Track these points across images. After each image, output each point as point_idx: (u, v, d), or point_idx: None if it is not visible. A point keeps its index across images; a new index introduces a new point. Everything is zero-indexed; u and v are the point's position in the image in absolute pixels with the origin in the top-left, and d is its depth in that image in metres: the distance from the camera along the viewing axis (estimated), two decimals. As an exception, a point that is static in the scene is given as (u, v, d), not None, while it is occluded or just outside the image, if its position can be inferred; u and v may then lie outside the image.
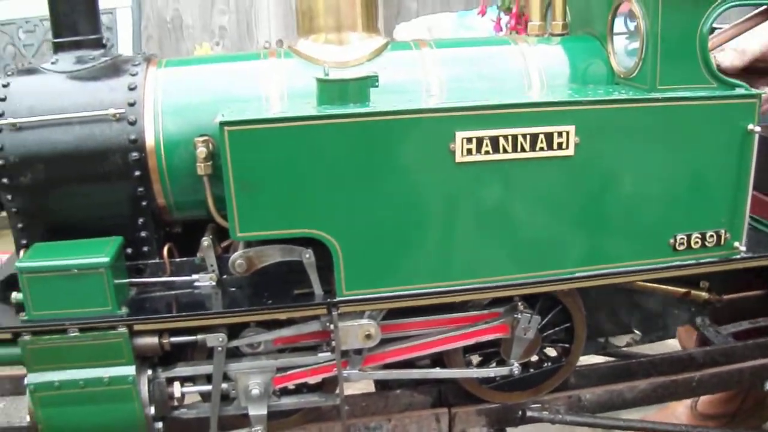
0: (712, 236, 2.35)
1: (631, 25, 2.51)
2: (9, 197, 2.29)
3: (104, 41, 2.44)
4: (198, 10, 6.36)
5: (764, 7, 2.42)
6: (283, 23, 6.29)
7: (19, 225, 2.35)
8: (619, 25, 2.50)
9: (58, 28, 2.38)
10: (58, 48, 2.38)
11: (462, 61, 2.48)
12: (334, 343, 2.27)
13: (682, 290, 2.60)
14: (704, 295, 2.65)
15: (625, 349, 2.86)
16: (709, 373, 2.76)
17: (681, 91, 2.23)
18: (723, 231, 2.36)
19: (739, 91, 2.27)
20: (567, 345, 2.60)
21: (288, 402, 2.43)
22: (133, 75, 2.33)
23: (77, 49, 2.38)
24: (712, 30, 2.57)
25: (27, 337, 2.20)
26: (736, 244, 2.38)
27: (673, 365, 2.84)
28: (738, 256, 2.40)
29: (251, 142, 2.06)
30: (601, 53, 2.50)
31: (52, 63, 2.37)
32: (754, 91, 2.27)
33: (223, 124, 2.03)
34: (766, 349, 2.92)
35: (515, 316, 2.40)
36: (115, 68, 2.37)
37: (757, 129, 2.26)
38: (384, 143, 2.10)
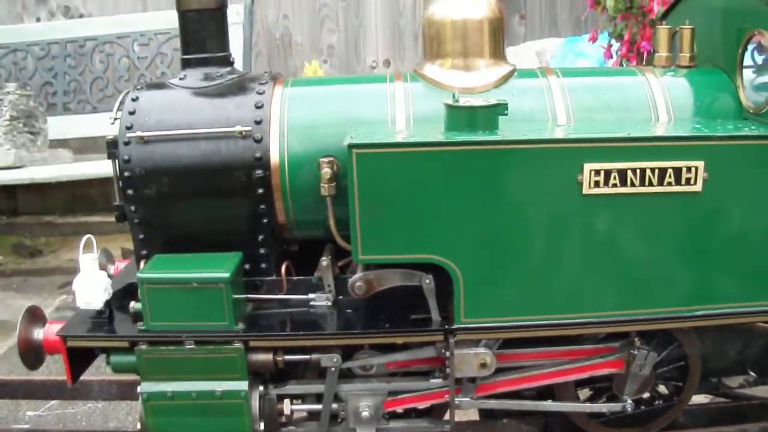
0: None
1: (760, 59, 2.42)
2: (132, 208, 2.36)
3: (231, 59, 2.49)
4: (307, 27, 6.51)
5: None
6: (390, 43, 6.35)
7: (141, 236, 2.41)
8: (748, 58, 2.43)
9: (188, 45, 2.44)
10: (186, 64, 2.45)
11: (589, 91, 2.45)
12: (448, 370, 2.26)
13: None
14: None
15: (739, 390, 2.76)
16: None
17: None
18: None
19: None
20: (680, 384, 2.52)
21: (397, 426, 2.43)
22: (260, 93, 2.36)
23: (205, 65, 2.44)
24: None
25: (143, 347, 2.26)
26: None
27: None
28: None
29: (378, 165, 2.07)
30: (728, 87, 2.44)
31: (180, 78, 2.43)
32: None
33: (351, 146, 2.04)
34: None
35: (632, 352, 2.34)
36: (241, 86, 2.42)
37: None
38: (511, 172, 2.09)
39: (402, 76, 2.49)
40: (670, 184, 2.11)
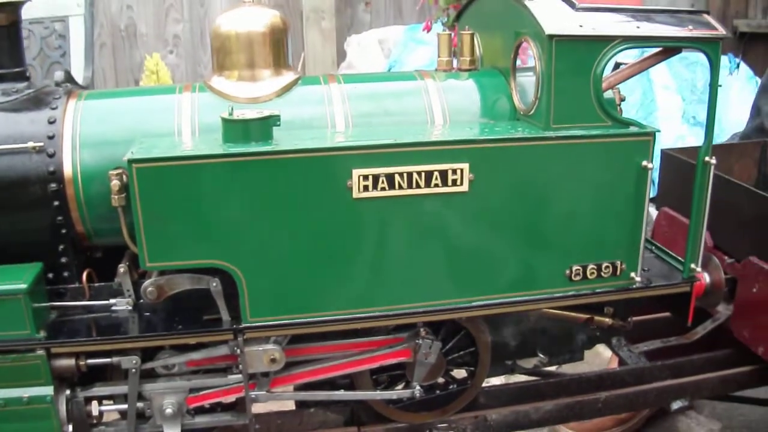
0: (608, 267, 2.59)
1: (527, 64, 2.74)
2: None
3: (27, 73, 2.66)
4: (152, 18, 6.56)
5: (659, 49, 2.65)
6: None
7: None
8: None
9: None
10: None
11: (368, 98, 2.70)
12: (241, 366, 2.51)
13: (585, 316, 2.84)
14: (608, 320, 2.89)
15: (540, 369, 3.10)
16: (615, 394, 3.02)
17: (575, 130, 2.46)
18: (619, 262, 2.60)
19: (633, 129, 2.50)
20: (473, 368, 2.84)
21: (201, 421, 2.67)
22: (53, 109, 2.55)
23: (1, 82, 2.60)
24: (617, 65, 2.81)
25: None
26: (632, 274, 2.62)
27: (581, 386, 3.09)
28: (634, 286, 2.64)
29: (158, 178, 2.28)
30: (505, 89, 2.73)
31: (-24, 95, 2.59)
32: (648, 128, 2.50)
33: (131, 161, 2.25)
34: (674, 370, 3.18)
35: (417, 341, 2.64)
36: (37, 101, 2.59)
37: (651, 165, 2.50)
38: (284, 180, 2.32)
39: (191, 86, 2.70)
40: (437, 185, 2.39)
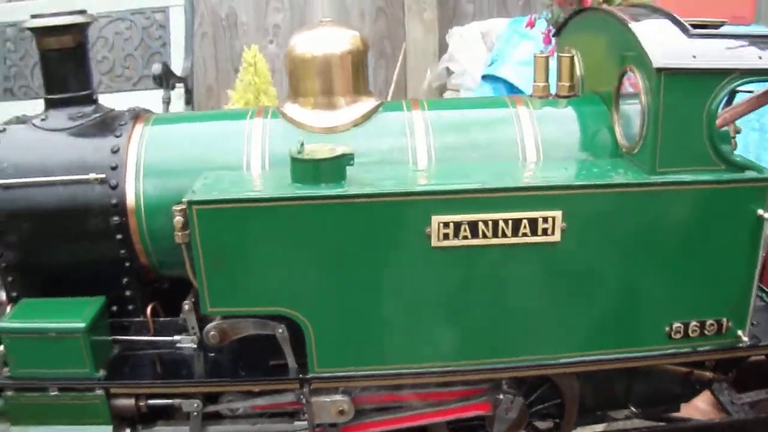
0: (712, 325, 2.34)
1: (630, 94, 2.47)
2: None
3: (94, 96, 2.58)
4: (253, 7, 6.54)
5: None
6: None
7: (9, 278, 2.54)
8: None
9: (50, 85, 2.54)
10: (49, 104, 2.55)
11: (454, 127, 2.51)
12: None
13: (685, 370, 2.59)
14: (708, 374, 2.63)
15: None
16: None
17: (683, 174, 2.21)
18: (725, 320, 2.35)
19: (749, 173, 2.23)
20: (558, 420, 2.64)
21: None
22: (118, 136, 2.46)
23: (67, 105, 2.53)
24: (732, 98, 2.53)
25: (9, 393, 2.41)
26: (739, 332, 2.37)
27: (677, 437, 2.86)
28: (741, 345, 2.38)
29: (220, 220, 2.16)
30: (607, 119, 2.49)
31: (42, 119, 2.52)
32: (766, 173, 2.23)
33: (191, 203, 2.14)
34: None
35: (497, 396, 2.46)
36: (103, 126, 2.51)
37: (767, 215, 2.23)
38: (356, 225, 2.17)
39: (264, 111, 2.57)
40: (525, 234, 2.19)
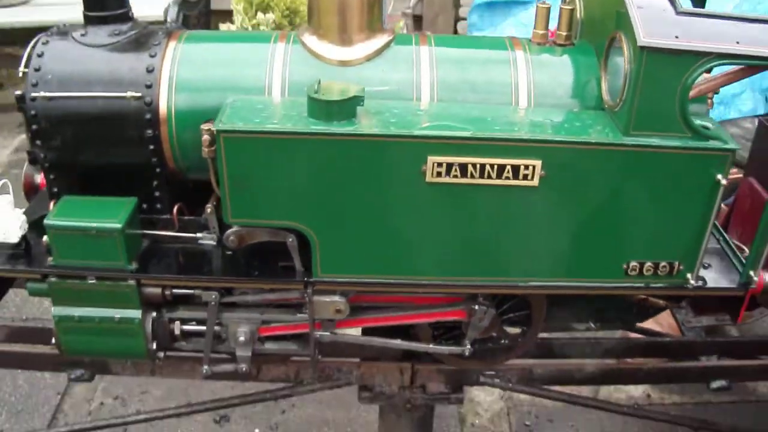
0: (665, 266, 2.77)
1: (617, 57, 2.73)
2: (42, 155, 2.86)
3: (130, 14, 2.87)
4: None
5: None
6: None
7: (51, 176, 2.93)
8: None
9: (89, 3, 2.82)
10: (87, 21, 2.84)
11: (456, 64, 2.84)
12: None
13: (642, 297, 3.05)
14: (661, 302, 3.10)
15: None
16: (657, 367, 3.29)
17: (654, 138, 2.56)
18: (677, 263, 2.77)
19: (712, 143, 2.58)
20: (525, 328, 3.14)
21: (270, 348, 3.08)
22: (152, 56, 2.78)
23: (105, 23, 2.83)
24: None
25: (53, 279, 2.86)
26: (688, 275, 2.80)
27: (628, 350, 3.37)
28: (687, 286, 2.82)
29: (243, 147, 2.53)
30: (596, 71, 2.80)
31: (82, 35, 2.82)
32: (729, 145, 2.57)
33: (219, 131, 2.50)
34: (723, 348, 3.42)
35: (473, 306, 2.94)
36: (138, 44, 2.82)
37: (724, 181, 2.60)
38: (362, 158, 2.54)
39: (286, 36, 2.88)
40: (508, 178, 2.58)
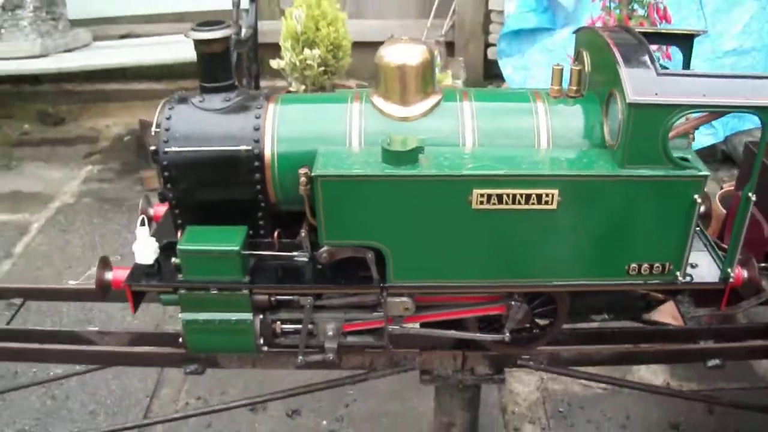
0: (658, 267, 3.58)
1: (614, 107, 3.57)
2: (170, 195, 3.76)
3: (235, 83, 3.82)
4: None
5: None
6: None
7: (176, 210, 3.83)
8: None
9: (204, 77, 3.71)
10: (203, 90, 3.74)
11: (489, 115, 3.68)
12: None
13: (644, 292, 3.96)
14: (660, 296, 3.98)
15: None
16: (663, 349, 4.18)
17: (643, 169, 3.38)
18: (668, 264, 3.60)
19: (689, 171, 3.41)
20: (552, 320, 4.05)
21: (352, 340, 3.96)
22: (257, 117, 3.71)
23: (217, 92, 3.74)
24: None
25: (183, 291, 3.74)
26: (678, 273, 3.63)
27: (639, 337, 4.27)
28: (676, 282, 3.66)
29: (335, 187, 3.41)
30: (599, 117, 3.70)
31: (200, 101, 3.75)
32: (702, 172, 3.39)
33: (316, 176, 3.42)
34: (718, 333, 4.30)
35: (510, 303, 3.85)
36: (244, 108, 3.72)
37: (700, 200, 3.45)
38: (424, 193, 3.39)
39: (359, 97, 3.77)
40: (533, 204, 3.40)
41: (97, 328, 5.19)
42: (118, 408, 6.12)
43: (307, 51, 7.83)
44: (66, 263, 7.62)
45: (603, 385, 6.14)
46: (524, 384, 6.26)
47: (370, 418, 5.95)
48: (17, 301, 4.88)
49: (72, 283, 7.02)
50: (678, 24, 8.58)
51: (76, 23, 9.35)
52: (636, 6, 7.06)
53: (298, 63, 7.86)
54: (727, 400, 5.13)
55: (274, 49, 8.02)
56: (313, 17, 7.77)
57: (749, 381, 6.23)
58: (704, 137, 8.58)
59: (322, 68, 7.89)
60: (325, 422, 5.93)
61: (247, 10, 8.45)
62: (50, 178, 9.36)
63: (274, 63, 7.91)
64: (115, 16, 9.92)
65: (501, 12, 10.41)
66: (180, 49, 9.17)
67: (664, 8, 7.21)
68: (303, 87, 7.89)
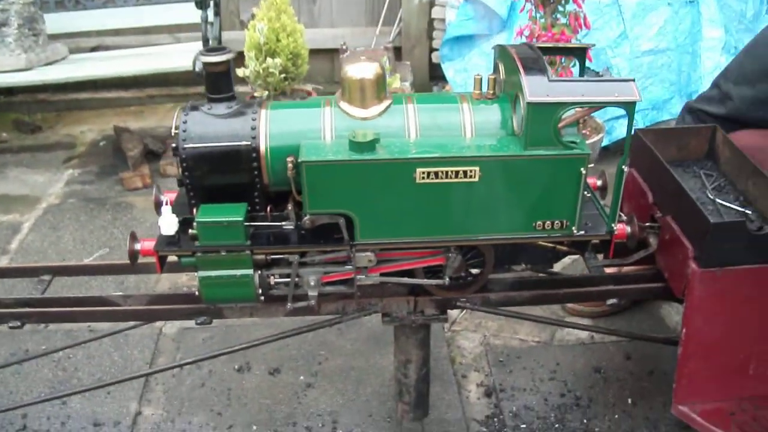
0: (558, 223, 5.01)
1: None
2: (187, 181, 5.10)
3: (234, 95, 5.34)
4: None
5: None
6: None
7: (191, 193, 5.21)
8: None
9: (210, 90, 5.11)
10: (210, 100, 5.20)
11: (427, 114, 5.00)
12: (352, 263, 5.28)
13: (551, 245, 5.55)
14: (564, 248, 5.58)
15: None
16: (570, 291, 5.79)
17: (541, 150, 4.82)
18: (566, 221, 5.07)
19: (576, 150, 4.87)
20: (482, 269, 5.63)
21: (329, 289, 5.41)
22: (253, 119, 5.18)
23: (221, 102, 5.21)
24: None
25: (199, 254, 5.11)
26: (573, 228, 5.10)
27: (553, 283, 5.86)
28: (571, 234, 5.18)
29: (317, 170, 4.86)
30: (511, 113, 5.30)
31: (209, 109, 5.19)
32: (585, 151, 4.82)
33: (302, 162, 4.91)
34: (616, 279, 5.90)
35: (448, 254, 5.37)
36: (243, 113, 5.14)
37: (584, 171, 5.01)
38: (381, 173, 4.78)
39: (330, 102, 5.20)
40: (461, 177, 4.90)
41: (120, 293, 6.62)
42: (122, 375, 7.28)
43: (269, 60, 9.19)
44: (61, 256, 8.75)
45: (537, 339, 7.62)
46: (470, 341, 7.65)
47: (340, 372, 7.24)
48: (46, 277, 6.21)
49: (87, 261, 8.48)
50: (600, 28, 10.28)
51: (52, 37, 10.71)
52: (558, 15, 8.70)
53: (261, 71, 9.24)
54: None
55: (236, 58, 9.43)
56: (274, 29, 9.14)
57: (662, 333, 7.83)
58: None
59: (283, 75, 9.33)
60: (302, 377, 7.18)
61: (212, 23, 9.93)
62: (34, 182, 10.67)
63: (240, 71, 9.31)
64: (87, 30, 11.30)
65: (443, 20, 12.01)
66: (151, 60, 10.60)
67: (584, 16, 8.81)
68: (266, 93, 9.35)
